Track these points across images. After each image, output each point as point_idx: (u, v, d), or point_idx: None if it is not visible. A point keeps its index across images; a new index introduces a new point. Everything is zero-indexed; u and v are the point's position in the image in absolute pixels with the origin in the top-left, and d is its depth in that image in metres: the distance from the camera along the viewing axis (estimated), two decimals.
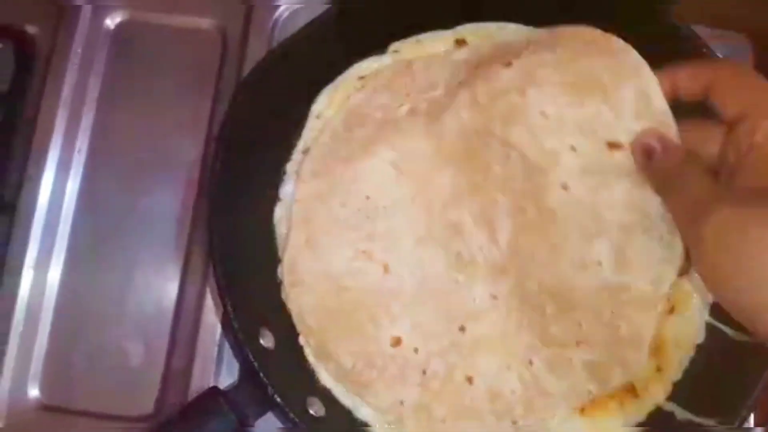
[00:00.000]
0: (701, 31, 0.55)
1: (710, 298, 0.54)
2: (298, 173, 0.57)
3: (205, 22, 0.66)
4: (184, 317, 0.61)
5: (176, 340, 0.60)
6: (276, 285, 0.56)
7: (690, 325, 0.54)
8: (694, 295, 0.54)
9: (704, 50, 0.53)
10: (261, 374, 0.49)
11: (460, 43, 0.60)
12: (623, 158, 0.48)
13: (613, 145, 0.49)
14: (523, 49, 0.53)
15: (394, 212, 0.55)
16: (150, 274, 0.62)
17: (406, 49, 0.60)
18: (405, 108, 0.57)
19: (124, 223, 0.62)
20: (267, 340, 0.53)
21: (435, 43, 0.60)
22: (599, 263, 0.50)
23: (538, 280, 0.52)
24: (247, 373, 0.51)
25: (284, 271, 0.56)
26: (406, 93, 0.57)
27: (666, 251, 0.49)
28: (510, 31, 0.59)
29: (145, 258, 0.62)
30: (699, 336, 0.54)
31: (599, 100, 0.49)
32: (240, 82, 0.52)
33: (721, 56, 0.59)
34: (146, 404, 0.59)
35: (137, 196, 0.63)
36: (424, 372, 0.53)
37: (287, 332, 0.55)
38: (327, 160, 0.57)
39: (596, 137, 0.49)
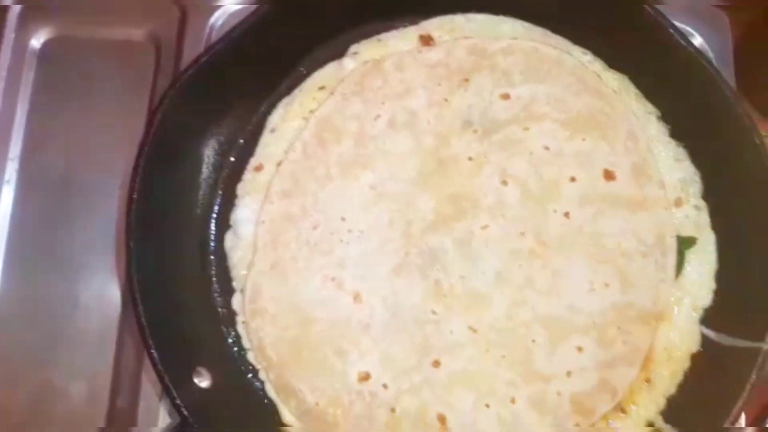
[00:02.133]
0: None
1: (703, 303, 0.51)
2: (266, 193, 0.52)
3: (137, 33, 0.61)
4: (127, 352, 0.55)
5: (120, 377, 0.55)
6: (215, 319, 0.51)
7: (682, 335, 0.51)
8: (685, 300, 0.52)
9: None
10: (190, 420, 0.44)
11: (426, 40, 0.55)
12: (618, 188, 0.51)
13: (609, 175, 0.51)
14: (513, 71, 0.53)
15: (369, 236, 0.51)
16: (90, 309, 0.56)
17: (366, 50, 0.55)
18: (383, 120, 0.52)
19: (59, 251, 0.57)
20: (203, 379, 0.48)
21: (398, 42, 0.55)
22: (607, 285, 0.50)
23: (532, 307, 0.49)
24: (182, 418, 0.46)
25: (245, 300, 0.51)
26: (381, 101, 0.53)
27: (660, 272, 0.51)
28: (478, 24, 0.55)
29: (84, 290, 0.56)
30: (693, 345, 0.51)
31: (597, 136, 0.52)
32: (164, 93, 0.47)
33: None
34: None
35: (71, 221, 0.57)
36: (393, 410, 0.49)
37: (231, 368, 0.51)
38: (299, 179, 0.52)
39: (593, 168, 0.51)
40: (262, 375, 0.51)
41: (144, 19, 0.61)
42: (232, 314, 0.52)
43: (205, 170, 0.53)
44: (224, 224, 0.53)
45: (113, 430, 0.54)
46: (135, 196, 0.46)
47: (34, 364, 0.56)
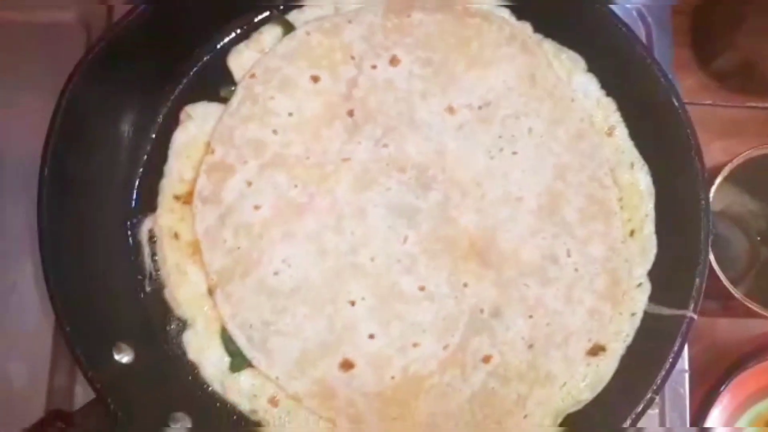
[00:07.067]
0: None
1: None
2: None
3: (66, 16, 0.60)
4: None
5: (58, 357, 0.56)
6: (140, 295, 0.52)
7: None
8: None
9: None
10: (106, 395, 0.45)
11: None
12: None
13: None
14: None
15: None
16: (26, 292, 0.57)
17: None
18: None
19: None
20: (124, 355, 0.48)
21: None
22: None
23: None
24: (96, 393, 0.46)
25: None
26: None
27: None
28: None
29: (19, 275, 0.57)
30: None
31: None
32: (69, 75, 0.47)
33: None
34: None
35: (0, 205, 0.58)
36: None
37: (153, 343, 0.51)
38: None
39: None
40: None
41: (72, 2, 0.61)
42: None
43: (125, 148, 0.53)
44: (147, 202, 0.53)
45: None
46: (46, 174, 0.46)
47: None
